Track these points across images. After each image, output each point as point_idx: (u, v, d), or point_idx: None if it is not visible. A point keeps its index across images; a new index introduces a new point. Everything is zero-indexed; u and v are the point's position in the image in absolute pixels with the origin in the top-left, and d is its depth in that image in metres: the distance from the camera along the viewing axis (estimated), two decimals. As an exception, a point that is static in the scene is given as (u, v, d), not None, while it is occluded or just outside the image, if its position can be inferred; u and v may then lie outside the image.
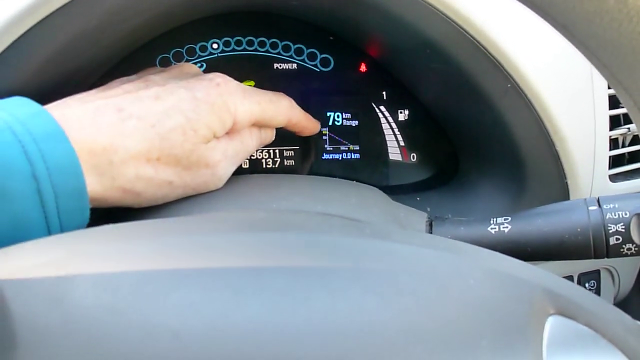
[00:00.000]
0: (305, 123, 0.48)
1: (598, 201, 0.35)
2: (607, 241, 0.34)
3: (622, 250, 0.34)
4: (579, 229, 0.35)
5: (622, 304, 0.60)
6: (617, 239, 0.34)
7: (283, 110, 0.44)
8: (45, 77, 0.36)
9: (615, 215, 0.34)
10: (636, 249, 0.34)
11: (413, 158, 0.57)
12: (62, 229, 0.32)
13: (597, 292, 0.56)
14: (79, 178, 0.32)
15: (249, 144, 0.43)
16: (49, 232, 0.32)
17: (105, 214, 0.37)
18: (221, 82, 0.40)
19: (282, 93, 0.45)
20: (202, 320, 0.20)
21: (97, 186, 0.34)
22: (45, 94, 0.36)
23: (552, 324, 0.23)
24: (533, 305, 0.23)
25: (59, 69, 0.40)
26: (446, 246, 0.27)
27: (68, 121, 0.33)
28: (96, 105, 0.35)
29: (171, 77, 0.40)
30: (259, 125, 0.43)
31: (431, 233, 0.39)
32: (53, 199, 0.31)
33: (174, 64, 0.54)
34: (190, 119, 0.37)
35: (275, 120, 0.44)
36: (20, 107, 0.33)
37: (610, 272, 0.57)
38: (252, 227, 0.28)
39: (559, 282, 0.25)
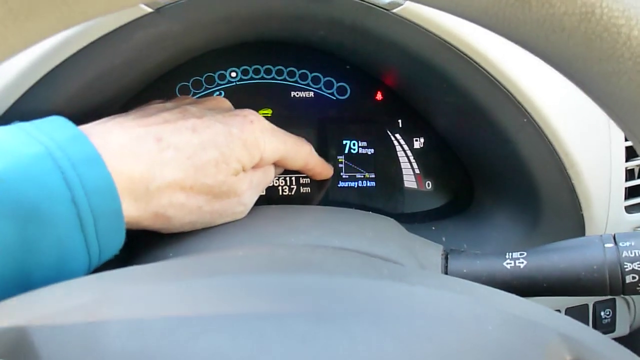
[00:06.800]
0: (320, 169, 0.51)
1: (614, 238, 0.35)
2: (624, 279, 0.34)
3: (638, 288, 0.34)
4: (595, 267, 0.35)
5: (638, 332, 0.60)
6: (634, 277, 0.34)
7: (303, 154, 0.47)
8: (69, 110, 0.37)
9: (631, 254, 0.34)
10: (653, 287, 0.34)
11: (428, 186, 0.57)
12: (100, 249, 0.34)
13: (613, 320, 0.56)
14: (115, 200, 0.34)
15: (269, 175, 0.45)
16: (88, 253, 0.33)
17: (133, 241, 0.38)
18: (255, 119, 0.42)
19: (304, 139, 0.48)
20: None
21: (132, 211, 0.36)
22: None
23: (569, 370, 0.23)
24: (550, 351, 0.23)
25: (84, 102, 0.41)
26: (463, 289, 0.28)
27: (109, 148, 0.35)
28: (137, 134, 0.37)
29: (207, 109, 0.42)
30: (278, 163, 0.46)
31: (447, 266, 0.39)
32: (92, 222, 0.33)
33: (193, 91, 0.55)
34: (224, 153, 0.39)
35: (294, 161, 0.46)
36: (59, 129, 0.34)
37: (626, 301, 0.56)
38: (275, 268, 0.29)
39: (575, 327, 0.25)
